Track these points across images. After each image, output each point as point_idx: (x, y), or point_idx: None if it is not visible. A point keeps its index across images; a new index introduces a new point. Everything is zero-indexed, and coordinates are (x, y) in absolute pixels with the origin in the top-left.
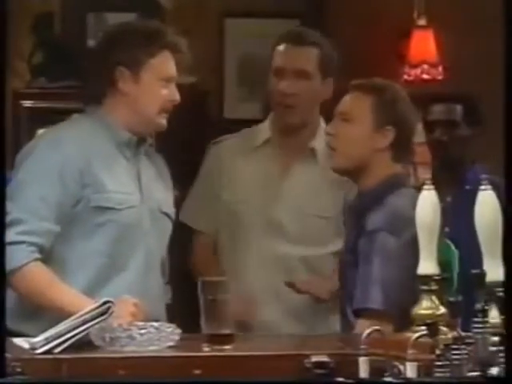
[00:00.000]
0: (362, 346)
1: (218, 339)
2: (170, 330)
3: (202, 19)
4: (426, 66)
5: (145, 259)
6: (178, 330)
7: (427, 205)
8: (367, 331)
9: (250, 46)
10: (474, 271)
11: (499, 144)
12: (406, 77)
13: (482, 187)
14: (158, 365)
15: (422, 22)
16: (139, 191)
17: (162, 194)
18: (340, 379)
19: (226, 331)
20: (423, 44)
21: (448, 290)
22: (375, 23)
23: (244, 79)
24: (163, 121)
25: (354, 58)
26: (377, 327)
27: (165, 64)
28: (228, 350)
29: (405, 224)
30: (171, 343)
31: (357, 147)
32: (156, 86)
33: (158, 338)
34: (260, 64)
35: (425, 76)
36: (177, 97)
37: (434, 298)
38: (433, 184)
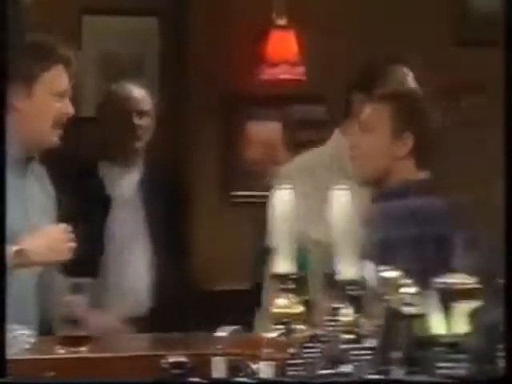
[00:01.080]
0: (219, 346)
1: (72, 341)
2: (25, 333)
3: (60, 16)
4: (285, 66)
5: None
6: (34, 333)
7: (280, 203)
8: (226, 331)
9: (109, 43)
10: (326, 270)
11: None
12: (264, 76)
13: (336, 187)
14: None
15: (281, 21)
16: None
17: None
18: (195, 379)
19: (82, 333)
20: (283, 43)
21: (304, 288)
22: (235, 22)
23: (102, 77)
24: (55, 137)
25: (213, 56)
26: (236, 327)
27: (58, 78)
28: (83, 351)
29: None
30: (27, 346)
31: (377, 157)
32: (49, 101)
33: (15, 341)
34: (119, 62)
35: (285, 76)
36: (71, 110)
37: (291, 296)
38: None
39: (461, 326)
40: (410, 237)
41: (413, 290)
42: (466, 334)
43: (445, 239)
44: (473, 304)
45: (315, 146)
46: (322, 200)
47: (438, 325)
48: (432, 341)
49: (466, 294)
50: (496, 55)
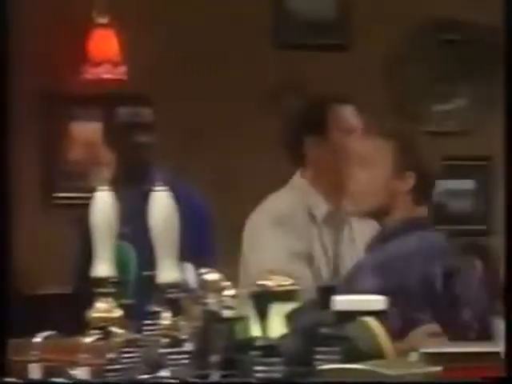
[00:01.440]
0: (34, 352)
1: None
2: None
3: None
4: (108, 65)
5: None
6: None
7: (101, 205)
8: (41, 337)
9: None
10: (145, 273)
11: (176, 148)
12: (87, 76)
13: (156, 188)
14: None
15: (102, 19)
16: None
17: None
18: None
19: None
20: (105, 42)
21: (125, 292)
22: (57, 20)
23: None
24: None
25: (35, 55)
26: (52, 332)
27: None
28: None
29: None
30: None
31: (376, 192)
32: None
33: None
34: None
35: (107, 75)
36: None
37: (109, 300)
38: (113, 184)
39: (278, 328)
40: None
41: (232, 292)
42: (282, 337)
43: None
44: (290, 306)
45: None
46: None
47: (256, 327)
48: (249, 344)
49: (283, 295)
50: (316, 58)
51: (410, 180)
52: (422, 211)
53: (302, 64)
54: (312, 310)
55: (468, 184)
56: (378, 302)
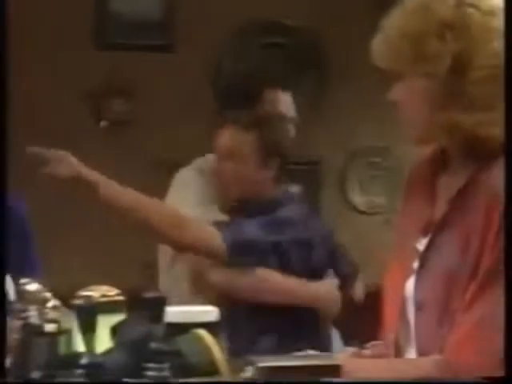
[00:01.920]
0: None
1: None
2: None
3: None
4: None
5: None
6: None
7: None
8: None
9: None
10: None
11: None
12: None
13: None
14: None
15: None
16: None
17: None
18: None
19: None
20: None
21: None
22: None
23: None
24: None
25: None
26: None
27: None
28: None
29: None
30: None
31: (243, 183)
32: None
33: None
34: None
35: None
36: None
37: None
38: None
39: (105, 342)
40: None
41: (54, 303)
42: (107, 351)
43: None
44: (117, 318)
45: None
46: None
47: (80, 342)
48: (73, 360)
49: (108, 306)
50: (141, 58)
51: (274, 166)
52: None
53: (127, 65)
54: (141, 322)
55: (296, 189)
56: (210, 313)
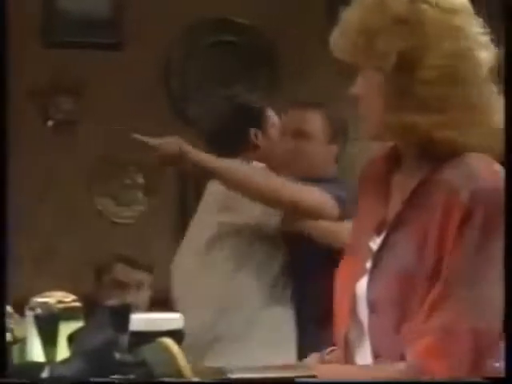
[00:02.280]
0: None
1: None
2: None
3: None
4: None
5: None
6: None
7: None
8: None
9: None
10: None
11: None
12: None
13: None
14: None
15: None
16: None
17: None
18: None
19: None
20: None
21: None
22: None
23: None
24: None
25: None
26: None
27: None
28: None
29: None
30: None
31: (305, 161)
32: None
33: None
34: None
35: None
36: None
37: None
38: None
39: (63, 351)
40: None
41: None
42: (65, 361)
43: None
44: (76, 325)
45: None
46: None
47: (38, 351)
48: (30, 370)
49: (66, 314)
50: (90, 57)
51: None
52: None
53: (75, 63)
54: (103, 331)
55: None
56: (176, 320)
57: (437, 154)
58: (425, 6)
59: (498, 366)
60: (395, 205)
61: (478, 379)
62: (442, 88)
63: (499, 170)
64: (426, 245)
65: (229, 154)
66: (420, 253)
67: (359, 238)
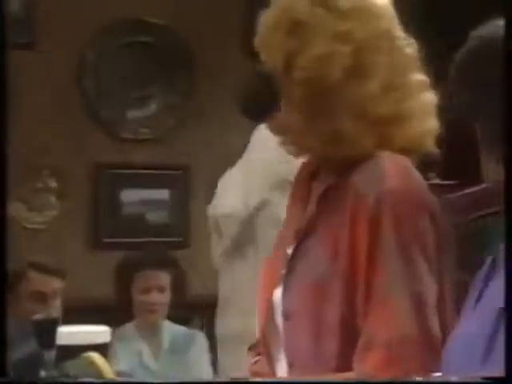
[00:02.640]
0: None
1: None
2: None
3: None
4: None
5: None
6: None
7: None
8: None
9: None
10: None
11: None
12: None
13: None
14: None
15: None
16: None
17: None
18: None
19: None
20: None
21: None
22: None
23: None
24: None
25: None
26: None
27: None
28: None
29: None
30: None
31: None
32: None
33: None
34: None
35: None
36: None
37: None
38: None
39: None
40: None
41: None
42: None
43: None
44: None
45: None
46: None
47: None
48: None
49: None
50: (28, 57)
51: None
52: None
53: None
54: (28, 345)
55: (164, 194)
56: (103, 333)
57: (348, 158)
58: (320, 10)
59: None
60: (309, 210)
61: (478, 379)
62: (311, 91)
63: (409, 168)
64: (337, 252)
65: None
66: (333, 260)
67: (280, 244)
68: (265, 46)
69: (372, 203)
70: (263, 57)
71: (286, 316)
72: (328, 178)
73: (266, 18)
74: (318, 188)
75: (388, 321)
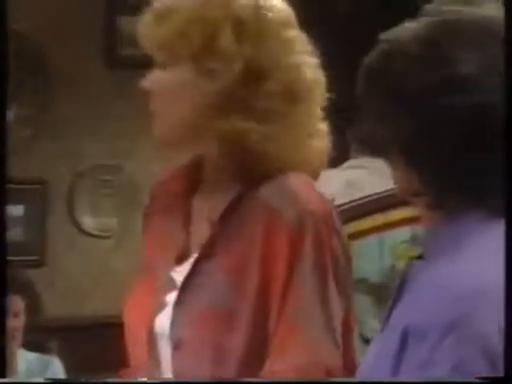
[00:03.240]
0: None
1: None
2: None
3: None
4: None
5: None
6: None
7: None
8: None
9: None
10: None
11: None
12: None
13: None
14: None
15: None
16: None
17: None
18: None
19: None
20: None
21: None
22: None
23: None
24: None
25: None
26: None
27: None
28: None
29: None
30: None
31: None
32: None
33: None
34: None
35: None
36: None
37: None
38: None
39: None
40: None
41: None
42: None
43: None
44: None
45: None
46: None
47: None
48: None
49: None
50: None
51: None
52: None
53: None
54: None
55: (20, 210)
56: None
57: (256, 170)
58: (270, 16)
59: None
60: (200, 229)
61: (478, 379)
62: (280, 102)
63: (314, 185)
64: (245, 275)
65: None
66: (238, 284)
67: (155, 268)
68: (171, 33)
69: (292, 220)
70: (154, 45)
71: (176, 345)
72: (223, 192)
73: (176, 5)
74: (208, 203)
75: (297, 347)
